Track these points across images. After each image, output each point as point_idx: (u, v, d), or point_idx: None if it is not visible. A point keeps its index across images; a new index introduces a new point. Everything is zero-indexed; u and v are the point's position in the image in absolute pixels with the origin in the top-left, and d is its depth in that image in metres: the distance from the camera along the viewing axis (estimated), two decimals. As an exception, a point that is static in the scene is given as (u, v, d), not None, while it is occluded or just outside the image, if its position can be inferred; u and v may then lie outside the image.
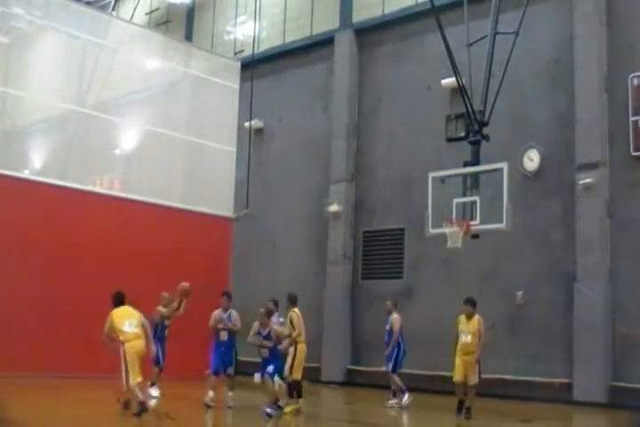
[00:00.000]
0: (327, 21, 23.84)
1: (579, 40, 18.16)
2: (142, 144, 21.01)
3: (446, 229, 15.76)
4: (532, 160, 18.61)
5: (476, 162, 16.12)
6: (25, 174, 19.06)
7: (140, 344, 12.39)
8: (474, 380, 13.73)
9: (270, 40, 25.43)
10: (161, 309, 15.51)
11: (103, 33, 21.04)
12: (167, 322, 15.63)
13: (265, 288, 21.03)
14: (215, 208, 21.50)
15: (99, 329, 12.55)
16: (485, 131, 16.26)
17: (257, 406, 13.36)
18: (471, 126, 16.26)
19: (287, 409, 13.36)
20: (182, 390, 16.35)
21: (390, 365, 15.73)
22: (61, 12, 19.77)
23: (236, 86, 22.90)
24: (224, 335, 13.79)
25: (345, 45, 23.03)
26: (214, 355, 13.81)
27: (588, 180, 17.34)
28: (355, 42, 23.03)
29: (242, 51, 25.41)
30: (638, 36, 17.62)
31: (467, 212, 15.81)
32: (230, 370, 13.95)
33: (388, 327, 15.90)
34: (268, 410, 12.66)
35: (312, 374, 19.85)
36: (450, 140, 16.85)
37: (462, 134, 16.39)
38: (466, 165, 16.22)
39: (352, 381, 20.96)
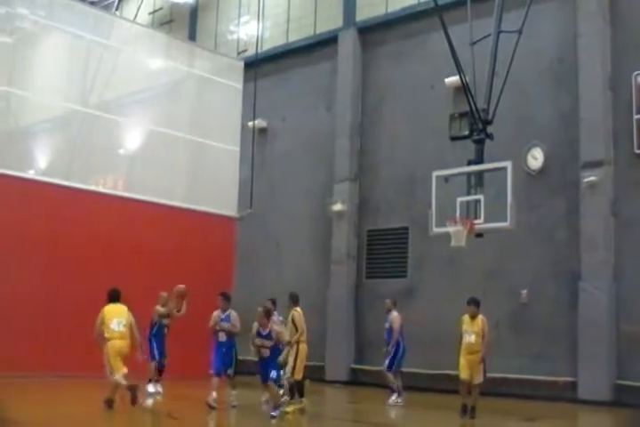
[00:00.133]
0: (330, 21, 23.84)
1: (582, 39, 18.13)
2: (146, 144, 21.01)
3: (450, 228, 15.73)
4: (535, 159, 18.59)
5: (479, 160, 16.09)
6: (29, 174, 19.05)
7: (121, 344, 12.55)
8: (478, 379, 13.69)
9: (273, 40, 25.42)
10: (159, 308, 15.65)
11: (107, 33, 21.05)
12: (165, 321, 15.75)
13: (269, 288, 20.99)
14: (219, 208, 21.50)
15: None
16: (489, 129, 16.24)
17: (260, 405, 13.36)
18: (475, 125, 16.22)
19: (289, 409, 13.34)
20: (184, 390, 16.34)
21: (386, 362, 15.78)
22: (65, 12, 19.77)
23: (240, 86, 22.89)
24: (222, 336, 13.76)
25: (348, 44, 23.02)
26: (215, 356, 13.74)
27: (592, 178, 17.32)
28: (358, 41, 23.01)
29: (245, 50, 25.44)
30: (642, 35, 17.62)
31: (470, 210, 15.79)
32: (230, 371, 13.92)
33: (387, 326, 15.97)
34: (274, 413, 12.63)
35: (316, 374, 19.89)
36: (453, 138, 16.83)
37: (466, 133, 16.37)
38: (470, 163, 16.18)
39: (356, 380, 20.94)
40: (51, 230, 17.97)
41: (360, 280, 21.86)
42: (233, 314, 13.92)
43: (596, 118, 17.66)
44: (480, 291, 16.47)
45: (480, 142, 16.19)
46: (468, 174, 16.10)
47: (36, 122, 20.93)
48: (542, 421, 14.72)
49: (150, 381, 15.47)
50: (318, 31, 24.20)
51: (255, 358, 13.14)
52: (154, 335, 15.68)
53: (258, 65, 22.87)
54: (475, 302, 13.86)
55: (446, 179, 16.40)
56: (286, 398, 13.69)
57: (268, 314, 12.92)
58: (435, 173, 16.57)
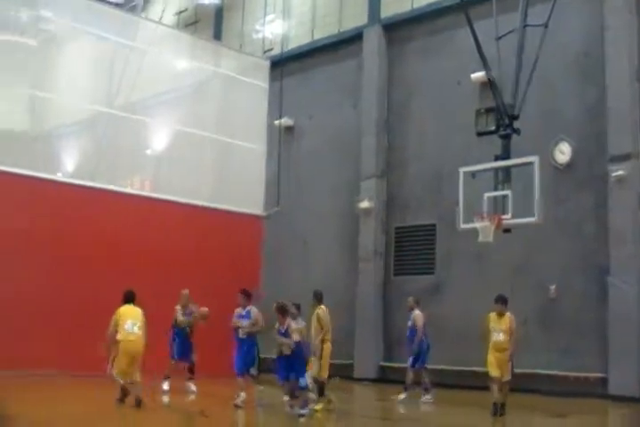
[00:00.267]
0: (355, 18, 23.84)
1: (609, 32, 17.97)
2: (172, 144, 21.10)
3: (478, 224, 15.71)
4: (563, 153, 18.47)
5: (506, 156, 16.06)
6: (57, 177, 19.18)
7: (134, 347, 12.56)
8: (507, 377, 13.62)
9: (299, 38, 25.45)
10: (178, 315, 15.83)
11: (132, 34, 21.15)
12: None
13: (296, 286, 21.04)
14: (246, 207, 21.54)
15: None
16: (516, 124, 16.17)
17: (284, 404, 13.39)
18: (501, 120, 16.20)
19: (317, 407, 13.32)
20: (212, 388, 16.35)
21: (410, 360, 15.81)
22: (90, 15, 19.85)
23: (265, 85, 22.92)
24: (242, 333, 13.71)
25: (374, 41, 22.99)
26: (236, 356, 13.64)
27: (619, 172, 17.16)
28: (383, 37, 22.98)
29: (271, 49, 25.47)
30: (669, 26, 17.44)
31: (498, 206, 15.75)
32: (253, 370, 13.82)
33: (410, 324, 15.99)
34: (303, 412, 12.59)
35: (344, 372, 19.93)
36: (480, 134, 16.77)
37: (493, 128, 16.35)
38: (497, 158, 16.16)
39: (385, 377, 20.90)
40: (80, 232, 18.05)
41: (388, 277, 21.82)
42: (253, 310, 13.77)
43: (623, 111, 17.49)
44: (508, 286, 16.42)
45: (507, 137, 16.16)
46: (495, 170, 16.07)
47: (62, 124, 21.06)
48: (572, 417, 14.61)
49: (165, 378, 15.56)
50: (343, 29, 24.21)
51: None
52: (176, 334, 15.83)
53: (284, 64, 22.90)
54: (502, 300, 13.76)
55: (473, 174, 16.38)
56: (313, 396, 13.67)
57: (281, 311, 12.76)
58: (462, 169, 16.53)
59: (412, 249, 21.58)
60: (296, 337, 12.68)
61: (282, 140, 23.52)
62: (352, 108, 23.54)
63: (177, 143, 21.07)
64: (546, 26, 16.45)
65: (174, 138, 21.15)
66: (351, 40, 23.79)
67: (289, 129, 24.91)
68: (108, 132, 20.44)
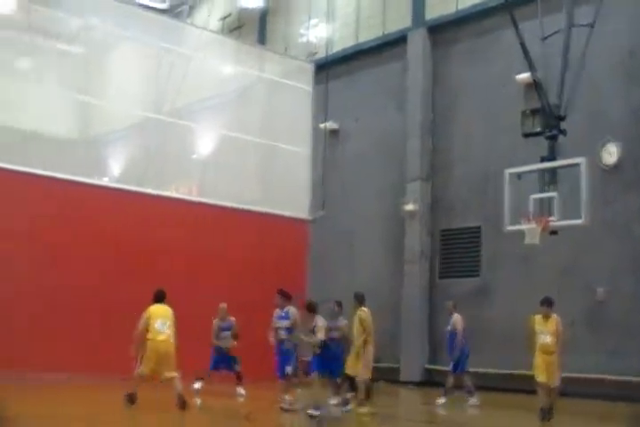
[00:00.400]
0: (399, 20, 23.85)
1: (656, 32, 17.76)
2: (218, 149, 21.26)
3: (524, 226, 15.58)
4: (611, 154, 18.26)
5: (552, 157, 15.90)
6: (105, 182, 19.44)
7: (164, 346, 12.48)
8: (556, 382, 13.43)
9: (343, 41, 25.50)
10: (215, 329, 16.09)
11: (178, 40, 21.35)
12: None
13: (342, 289, 20.92)
14: (291, 210, 21.57)
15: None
16: (562, 125, 16.02)
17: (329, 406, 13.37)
18: (547, 121, 16.05)
19: (363, 410, 13.31)
20: (256, 392, 16.36)
21: (451, 365, 15.81)
22: (136, 21, 20.08)
23: (310, 88, 22.96)
24: (281, 335, 13.60)
25: (418, 44, 22.96)
26: (278, 359, 13.61)
27: (667, 173, 16.94)
28: (428, 40, 22.96)
29: (315, 53, 25.52)
30: None
31: (544, 207, 15.61)
32: (289, 369, 13.66)
33: (449, 328, 15.96)
34: (345, 409, 12.59)
35: (390, 375, 19.91)
36: (526, 135, 16.67)
37: (539, 129, 16.23)
38: (543, 160, 16.00)
39: (430, 380, 20.84)
40: (129, 236, 18.24)
41: (433, 280, 21.78)
42: (292, 310, 13.53)
43: (670, 112, 17.28)
44: (554, 289, 16.26)
45: (553, 139, 16.02)
46: (542, 171, 15.93)
47: (111, 130, 21.34)
48: (621, 422, 14.38)
49: (197, 379, 15.64)
50: (387, 31, 24.23)
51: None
52: (216, 350, 16.07)
53: (329, 67, 22.95)
54: (548, 302, 13.60)
55: (519, 176, 16.23)
56: (352, 394, 13.63)
57: (310, 309, 12.75)
58: (507, 171, 16.40)
59: (457, 251, 21.52)
60: (321, 335, 12.71)
61: (327, 144, 23.58)
62: (397, 111, 23.52)
63: (222, 148, 21.21)
64: (592, 26, 16.27)
65: (220, 143, 21.31)
66: (395, 42, 23.80)
67: (334, 132, 24.97)
68: (156, 138, 20.64)
